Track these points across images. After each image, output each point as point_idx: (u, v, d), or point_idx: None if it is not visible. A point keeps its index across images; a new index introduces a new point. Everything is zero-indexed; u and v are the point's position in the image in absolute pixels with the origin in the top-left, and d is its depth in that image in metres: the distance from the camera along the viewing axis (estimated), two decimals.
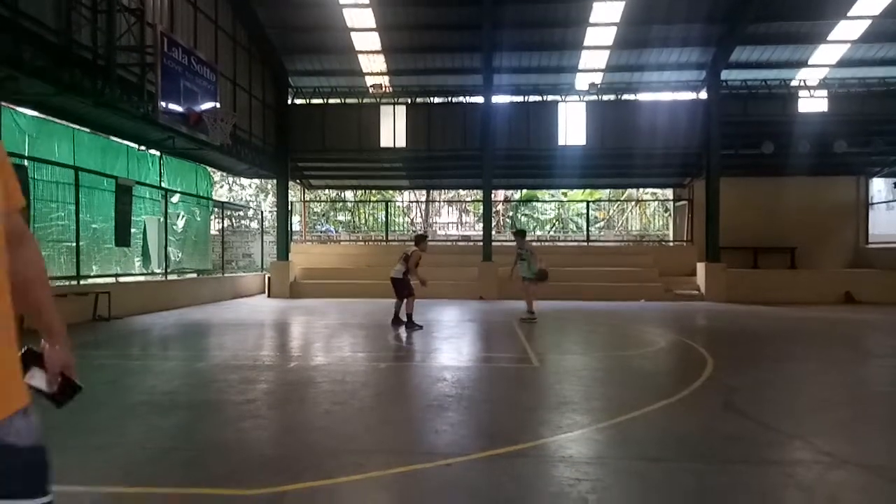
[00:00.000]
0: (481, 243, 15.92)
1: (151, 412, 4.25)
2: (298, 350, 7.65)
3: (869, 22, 13.96)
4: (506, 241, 19.01)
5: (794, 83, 16.13)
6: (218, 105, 11.24)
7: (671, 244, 18.95)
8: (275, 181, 17.73)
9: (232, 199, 24.76)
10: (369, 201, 24.49)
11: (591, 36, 14.74)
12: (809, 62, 15.44)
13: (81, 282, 10.07)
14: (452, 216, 28.01)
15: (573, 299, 14.08)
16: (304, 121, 16.59)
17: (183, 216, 13.82)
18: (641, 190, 23.61)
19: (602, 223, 24.49)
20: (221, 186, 24.81)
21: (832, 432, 3.92)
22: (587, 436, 3.70)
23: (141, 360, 6.87)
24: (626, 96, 16.76)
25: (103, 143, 11.52)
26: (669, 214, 20.32)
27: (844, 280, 15.28)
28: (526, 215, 26.62)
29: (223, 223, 16.89)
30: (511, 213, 27.04)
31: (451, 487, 2.91)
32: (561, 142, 16.32)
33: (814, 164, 15.88)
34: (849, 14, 13.78)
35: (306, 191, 20.42)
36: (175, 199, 13.67)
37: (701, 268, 15.61)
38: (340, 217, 25.74)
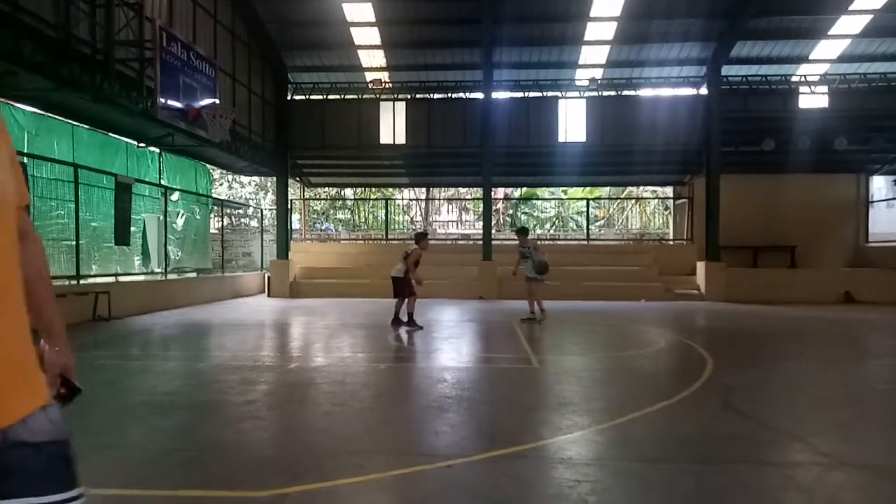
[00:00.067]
0: (481, 242, 15.90)
1: (151, 413, 4.25)
2: (298, 351, 7.65)
3: (870, 17, 13.90)
4: (505, 239, 19.02)
5: (794, 79, 16.07)
6: (217, 101, 11.20)
7: (671, 243, 18.93)
8: (274, 179, 17.71)
9: (231, 197, 24.74)
10: (369, 199, 24.46)
11: (592, 31, 14.70)
12: (810, 58, 15.40)
13: (81, 281, 10.05)
14: (452, 214, 28.00)
15: (573, 299, 14.07)
16: (303, 117, 16.55)
17: (182, 214, 13.81)
18: (641, 188, 23.60)
19: (602, 221, 24.49)
20: (221, 184, 24.78)
21: (831, 432, 3.93)
22: (587, 437, 3.70)
23: (141, 360, 6.87)
24: (626, 92, 16.73)
25: (102, 140, 11.49)
26: (669, 212, 20.30)
27: (844, 279, 15.27)
28: (526, 213, 26.60)
29: (223, 221, 16.87)
30: (511, 212, 27.02)
31: (452, 489, 2.91)
32: (561, 138, 16.30)
33: (814, 161, 15.82)
34: (850, 9, 13.73)
35: (306, 188, 20.39)
36: (175, 196, 13.65)
37: (701, 267, 15.60)
38: (340, 215, 25.72)
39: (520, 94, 16.64)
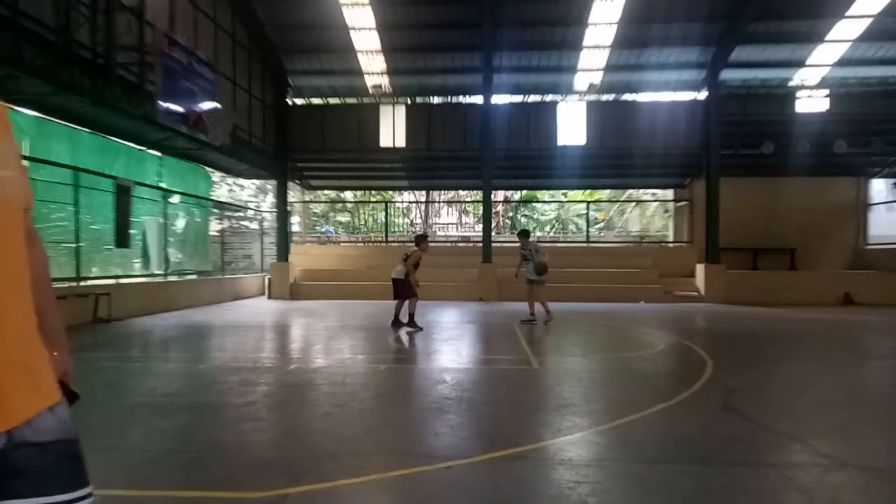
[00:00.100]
0: (481, 244, 15.91)
1: (152, 414, 4.25)
2: (298, 352, 7.65)
3: (869, 21, 13.94)
4: (505, 242, 19.03)
5: (793, 83, 16.12)
6: (217, 105, 11.23)
7: (671, 245, 18.95)
8: (274, 182, 17.73)
9: (231, 200, 24.75)
10: (369, 202, 24.50)
11: (591, 35, 14.74)
12: (809, 62, 15.42)
13: (81, 283, 10.06)
14: (452, 217, 28.03)
15: (573, 300, 14.07)
16: (303, 121, 16.59)
17: (183, 217, 13.82)
18: (641, 190, 23.63)
19: (602, 224, 24.51)
20: (220, 187, 24.78)
21: (831, 434, 3.93)
22: (587, 438, 3.70)
23: (141, 362, 6.87)
24: (625, 96, 16.76)
25: (102, 143, 11.49)
26: (669, 215, 20.33)
27: (843, 281, 15.28)
28: (526, 216, 26.64)
29: (223, 224, 16.89)
30: (511, 214, 27.06)
31: (451, 490, 2.91)
32: (560, 142, 16.33)
33: (813, 164, 15.86)
34: (848, 13, 13.77)
35: (306, 191, 20.41)
36: (174, 199, 13.66)
37: (700, 269, 15.61)
38: (340, 218, 25.75)
39: (519, 98, 16.68)
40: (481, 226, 17.00)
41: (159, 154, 13.12)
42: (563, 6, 13.90)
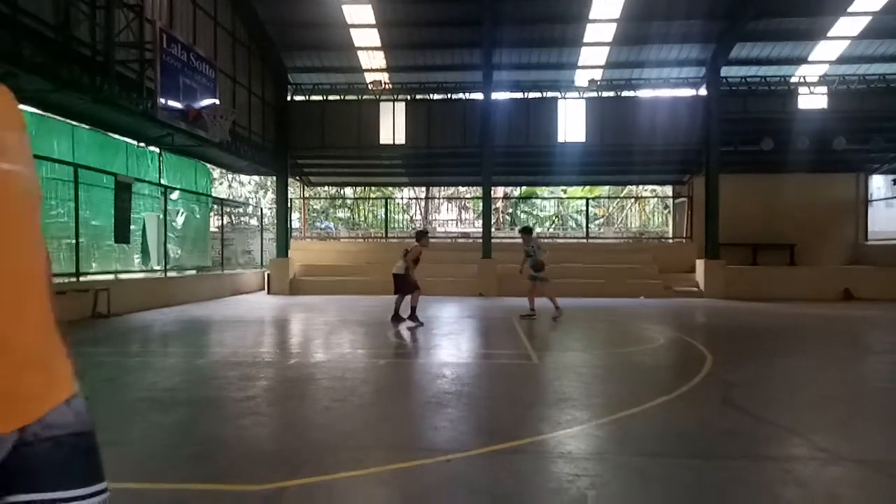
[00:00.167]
0: (481, 240, 15.92)
1: (151, 409, 4.26)
2: (298, 347, 7.65)
3: (869, 18, 13.92)
4: (505, 237, 19.03)
5: (793, 80, 16.09)
6: (217, 102, 11.22)
7: (670, 241, 18.96)
8: (274, 178, 17.72)
9: (231, 196, 24.75)
10: (369, 198, 24.49)
11: (591, 32, 14.71)
12: (809, 59, 15.42)
13: (81, 278, 10.07)
14: (452, 213, 28.02)
15: (573, 296, 14.06)
16: (303, 117, 16.57)
17: (182, 213, 13.82)
18: (641, 187, 23.61)
19: (601, 220, 24.50)
20: (221, 183, 24.79)
21: (830, 428, 3.94)
22: (586, 432, 3.71)
23: (141, 356, 6.88)
24: (625, 93, 16.74)
25: (102, 139, 11.50)
26: (669, 211, 20.33)
27: (843, 277, 15.30)
28: (525, 212, 26.63)
29: (223, 220, 16.89)
30: (511, 210, 27.05)
31: (451, 483, 2.92)
32: (560, 139, 16.31)
33: (813, 160, 15.86)
34: (849, 10, 13.74)
35: (306, 188, 20.40)
36: (174, 195, 13.66)
37: (700, 265, 15.62)
38: (340, 214, 25.75)
39: (519, 95, 16.66)
40: (481, 222, 17.00)
41: (159, 150, 13.11)
42: (563, 3, 13.86)
